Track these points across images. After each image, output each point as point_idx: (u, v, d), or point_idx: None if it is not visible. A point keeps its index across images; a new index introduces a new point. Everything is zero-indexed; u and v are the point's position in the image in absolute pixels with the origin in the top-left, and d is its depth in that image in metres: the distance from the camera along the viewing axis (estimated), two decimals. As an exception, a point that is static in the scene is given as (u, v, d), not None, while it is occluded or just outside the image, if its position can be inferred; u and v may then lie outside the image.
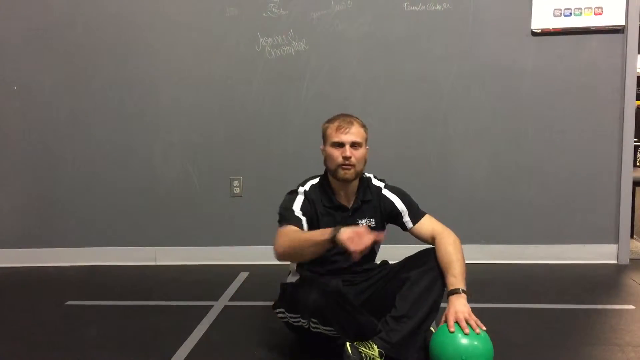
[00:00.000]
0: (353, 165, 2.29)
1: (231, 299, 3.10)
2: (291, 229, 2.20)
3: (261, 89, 3.63)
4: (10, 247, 3.83)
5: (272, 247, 2.19)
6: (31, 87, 3.72)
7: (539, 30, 3.44)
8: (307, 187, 2.38)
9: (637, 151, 3.98)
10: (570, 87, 3.50)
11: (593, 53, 3.46)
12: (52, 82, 3.71)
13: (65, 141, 3.75)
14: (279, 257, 2.17)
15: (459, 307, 2.13)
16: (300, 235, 2.15)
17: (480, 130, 3.57)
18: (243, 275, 3.50)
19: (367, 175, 2.46)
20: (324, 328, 2.21)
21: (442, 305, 2.27)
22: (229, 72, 3.63)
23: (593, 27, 3.42)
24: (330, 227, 2.16)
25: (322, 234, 2.04)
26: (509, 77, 3.51)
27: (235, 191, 3.72)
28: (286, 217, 2.27)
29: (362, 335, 2.21)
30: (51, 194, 3.80)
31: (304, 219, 2.27)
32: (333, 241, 1.98)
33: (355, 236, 1.91)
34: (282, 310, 2.33)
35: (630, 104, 3.46)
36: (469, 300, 2.18)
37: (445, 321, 2.13)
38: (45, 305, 3.08)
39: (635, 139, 3.66)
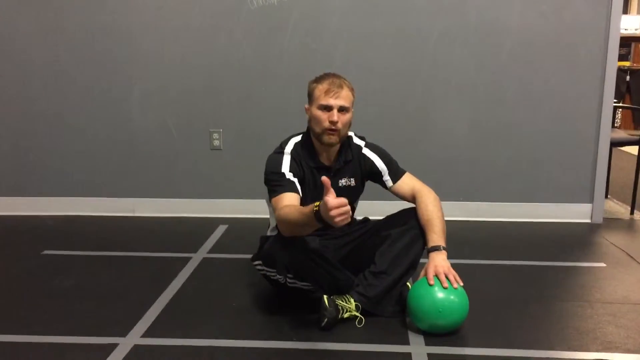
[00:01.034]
0: (338, 130, 2.27)
1: (210, 251, 3.11)
2: (287, 200, 2.14)
3: (243, 39, 3.56)
4: (-16, 196, 3.79)
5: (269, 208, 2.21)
6: (5, 34, 3.60)
7: (525, -13, 3.41)
8: (290, 146, 2.34)
9: (615, 112, 4.00)
10: (553, 46, 3.48)
11: (577, 12, 3.43)
12: (28, 29, 3.59)
13: (42, 90, 3.66)
14: (286, 235, 2.15)
15: (439, 261, 2.17)
16: (295, 219, 2.04)
17: (461, 87, 3.56)
18: (222, 228, 3.50)
19: (349, 133, 2.43)
20: (301, 283, 2.24)
21: (421, 261, 2.31)
22: (209, 22, 3.55)
23: (579, -15, 3.39)
24: (314, 188, 2.24)
25: (309, 217, 1.94)
26: (492, 33, 3.48)
27: (215, 144, 3.69)
28: (279, 182, 2.22)
29: (339, 291, 2.25)
30: (28, 143, 3.73)
31: (295, 180, 2.24)
32: (321, 221, 1.90)
33: (336, 214, 1.81)
34: (259, 262, 2.34)
35: (612, 65, 3.47)
36: (447, 257, 2.21)
37: (425, 275, 2.16)
38: (21, 255, 3.06)
39: (615, 100, 3.68)
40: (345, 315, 2.21)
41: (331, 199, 1.81)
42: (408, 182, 2.41)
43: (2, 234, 3.45)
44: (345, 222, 1.84)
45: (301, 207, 2.08)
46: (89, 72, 3.63)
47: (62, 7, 3.56)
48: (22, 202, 3.78)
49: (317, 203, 1.89)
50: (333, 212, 1.79)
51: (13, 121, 3.71)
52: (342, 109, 2.26)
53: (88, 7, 3.56)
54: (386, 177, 2.42)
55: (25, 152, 3.74)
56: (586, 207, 3.63)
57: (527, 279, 2.74)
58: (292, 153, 2.32)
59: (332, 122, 2.24)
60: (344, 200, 1.82)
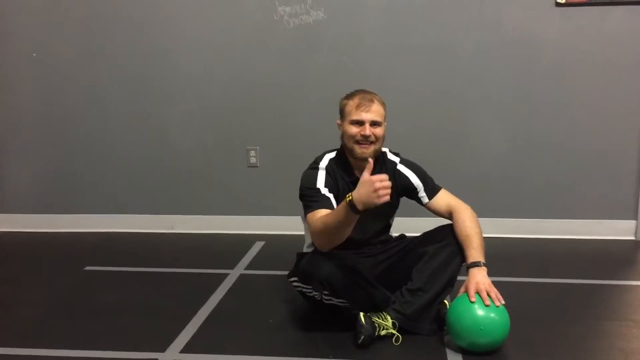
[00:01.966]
0: (373, 143, 2.27)
1: (247, 268, 3.13)
2: (321, 214, 2.15)
3: (279, 58, 3.60)
4: (29, 213, 3.89)
5: (302, 221, 2.25)
6: (49, 56, 3.73)
7: (564, 1, 3.36)
8: (325, 161, 2.36)
9: (659, 126, 3.91)
10: (592, 60, 3.42)
11: (617, 25, 3.37)
12: (70, 51, 3.71)
13: (84, 109, 3.77)
14: (323, 250, 2.17)
15: (480, 278, 2.13)
16: (328, 221, 2.08)
17: (499, 102, 3.52)
18: (259, 245, 3.52)
19: (383, 149, 2.43)
20: (337, 300, 2.23)
21: (459, 279, 2.28)
22: (246, 42, 3.60)
23: (619, -3, 3.34)
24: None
25: (344, 209, 1.99)
26: (530, 48, 3.44)
27: (251, 161, 3.72)
28: (314, 198, 2.23)
29: (376, 308, 2.23)
30: (70, 162, 3.83)
31: (331, 196, 2.24)
32: (357, 211, 1.95)
33: (380, 187, 1.90)
34: (296, 279, 2.34)
35: (655, 78, 3.39)
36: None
37: (465, 291, 2.13)
38: (64, 270, 3.13)
39: (659, 114, 3.59)
40: (382, 333, 2.19)
41: (369, 175, 1.92)
42: (444, 199, 2.39)
43: (46, 250, 3.54)
44: (386, 199, 1.91)
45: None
46: (129, 92, 3.72)
47: (103, 30, 3.67)
48: (65, 219, 3.87)
49: (350, 194, 1.97)
50: (377, 185, 1.89)
51: (56, 141, 3.81)
52: (374, 123, 2.27)
53: (128, 29, 3.66)
54: (422, 194, 2.41)
55: (68, 171, 3.84)
56: (630, 224, 3.53)
57: (570, 298, 2.68)
58: (327, 168, 2.33)
59: (365, 136, 2.24)
60: (384, 175, 1.92)
